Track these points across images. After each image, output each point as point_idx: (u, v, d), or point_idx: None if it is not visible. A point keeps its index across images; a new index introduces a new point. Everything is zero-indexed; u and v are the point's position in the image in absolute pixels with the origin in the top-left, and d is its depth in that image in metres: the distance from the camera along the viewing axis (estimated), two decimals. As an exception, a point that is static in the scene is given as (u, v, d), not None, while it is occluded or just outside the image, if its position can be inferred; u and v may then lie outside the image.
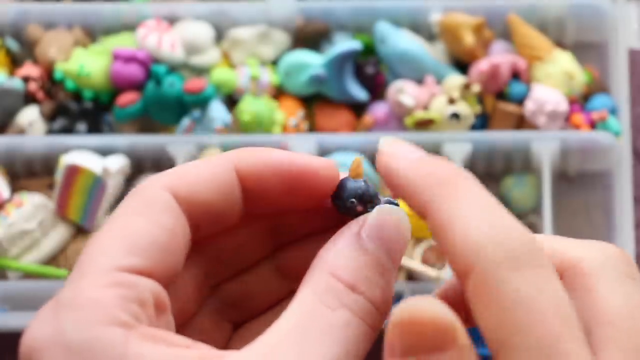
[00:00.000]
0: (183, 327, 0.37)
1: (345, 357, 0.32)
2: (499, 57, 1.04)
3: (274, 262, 0.40)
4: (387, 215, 0.36)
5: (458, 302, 0.35)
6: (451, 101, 1.00)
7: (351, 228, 0.36)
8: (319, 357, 0.31)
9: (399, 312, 0.29)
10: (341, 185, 0.38)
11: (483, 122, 1.04)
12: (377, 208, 0.37)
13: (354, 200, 0.38)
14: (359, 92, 1.05)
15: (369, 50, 1.07)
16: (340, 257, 0.34)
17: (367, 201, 0.37)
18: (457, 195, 0.32)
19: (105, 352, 0.30)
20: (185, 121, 1.02)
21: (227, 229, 0.38)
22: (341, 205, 0.38)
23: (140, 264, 0.33)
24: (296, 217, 0.40)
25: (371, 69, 1.06)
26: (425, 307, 0.29)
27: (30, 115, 1.04)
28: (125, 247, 0.33)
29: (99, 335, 0.31)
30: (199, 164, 0.36)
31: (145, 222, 0.34)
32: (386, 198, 0.38)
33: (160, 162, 1.03)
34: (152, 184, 0.35)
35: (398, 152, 0.35)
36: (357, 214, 0.37)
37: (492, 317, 0.30)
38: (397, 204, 0.37)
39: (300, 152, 0.40)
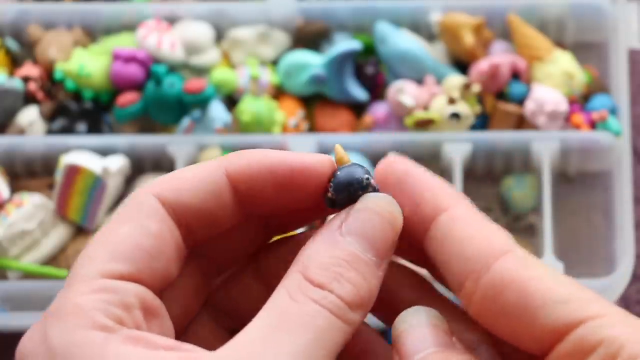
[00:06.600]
0: (184, 334, 0.37)
1: (315, 345, 0.32)
2: (499, 57, 1.04)
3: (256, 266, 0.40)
4: (369, 205, 0.35)
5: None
6: (451, 101, 1.00)
7: (332, 223, 0.35)
8: (289, 346, 0.32)
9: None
10: (331, 179, 0.36)
11: (483, 122, 1.04)
12: (361, 198, 0.35)
13: (332, 194, 0.36)
14: (359, 92, 1.05)
15: (369, 50, 1.07)
16: (312, 256, 0.34)
17: (356, 190, 0.36)
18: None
19: (84, 355, 0.31)
20: (185, 121, 1.02)
21: (223, 232, 0.37)
22: (325, 201, 0.37)
23: (124, 269, 0.34)
24: (291, 218, 0.39)
25: (371, 69, 1.06)
26: None
27: (30, 115, 1.04)
28: (110, 253, 0.34)
29: (80, 340, 0.32)
30: (189, 169, 0.36)
31: (130, 228, 0.34)
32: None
33: (160, 162, 1.03)
34: (141, 191, 0.35)
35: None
36: (343, 207, 0.36)
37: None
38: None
39: (295, 151, 0.39)
